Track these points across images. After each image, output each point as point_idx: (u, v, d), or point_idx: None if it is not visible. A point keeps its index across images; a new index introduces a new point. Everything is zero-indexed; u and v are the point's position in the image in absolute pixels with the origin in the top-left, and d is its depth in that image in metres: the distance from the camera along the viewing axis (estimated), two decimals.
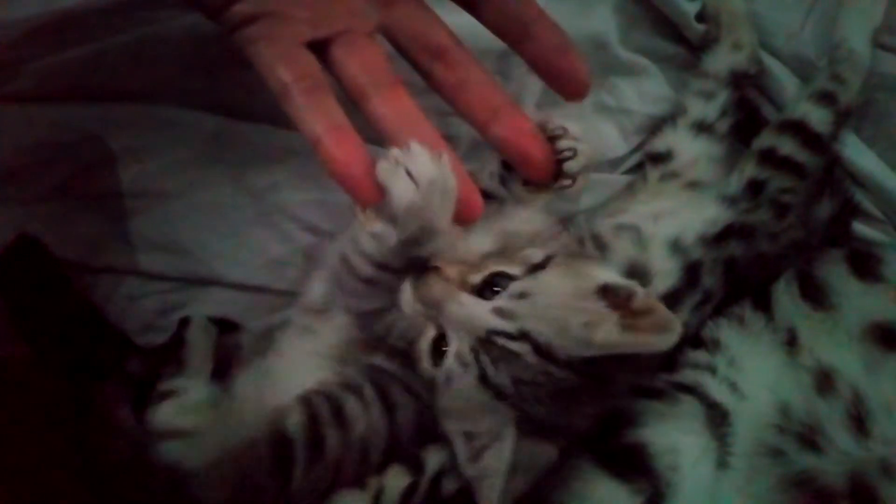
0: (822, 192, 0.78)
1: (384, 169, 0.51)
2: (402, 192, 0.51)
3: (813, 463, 0.64)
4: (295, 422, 0.64)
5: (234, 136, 0.77)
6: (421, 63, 0.56)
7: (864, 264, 0.70)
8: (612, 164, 0.86)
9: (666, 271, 0.70)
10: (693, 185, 0.79)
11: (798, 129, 0.77)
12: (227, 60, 0.72)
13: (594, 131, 0.84)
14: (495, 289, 0.59)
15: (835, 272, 0.71)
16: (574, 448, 0.62)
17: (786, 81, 0.83)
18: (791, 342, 0.69)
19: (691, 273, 0.71)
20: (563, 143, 0.60)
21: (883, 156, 0.81)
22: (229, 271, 0.77)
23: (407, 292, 0.59)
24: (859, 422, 0.64)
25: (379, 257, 0.59)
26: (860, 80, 0.80)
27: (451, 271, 0.59)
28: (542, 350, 0.56)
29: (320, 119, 0.51)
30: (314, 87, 0.52)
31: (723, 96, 0.82)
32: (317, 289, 0.72)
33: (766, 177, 0.75)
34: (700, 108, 0.81)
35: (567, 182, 0.61)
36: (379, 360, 0.69)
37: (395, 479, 0.64)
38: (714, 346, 0.70)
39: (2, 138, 0.70)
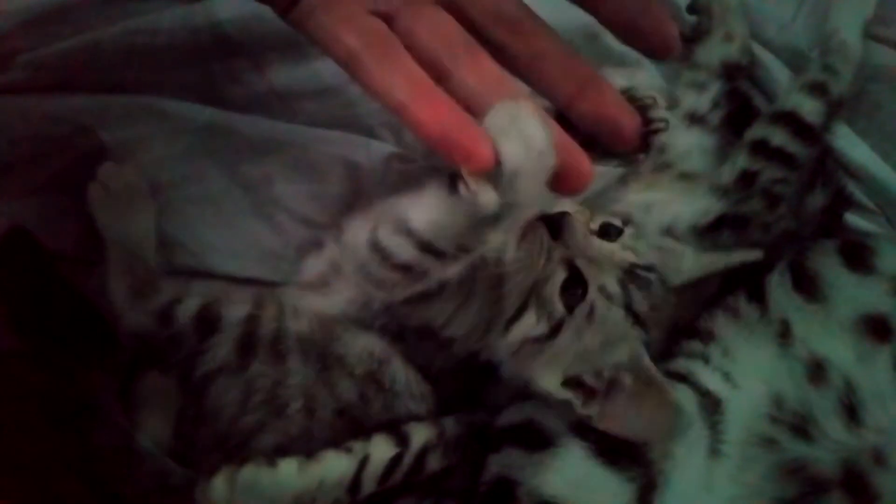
0: (814, 184, 0.78)
1: (495, 124, 0.45)
2: (513, 153, 0.46)
3: (805, 451, 0.64)
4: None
5: (227, 127, 0.76)
6: (494, 36, 0.50)
7: (857, 256, 0.71)
8: (605, 155, 0.85)
9: None
10: (685, 177, 0.78)
11: (790, 119, 0.77)
12: (220, 52, 0.72)
13: None
14: (606, 234, 0.64)
15: (827, 264, 0.71)
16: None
17: (778, 73, 0.83)
18: (784, 333, 0.69)
19: None
20: (655, 114, 0.59)
21: (875, 147, 0.81)
22: (223, 263, 0.77)
23: (544, 238, 0.61)
24: (851, 411, 0.65)
25: (430, 235, 0.54)
26: (852, 71, 0.80)
27: (579, 217, 0.62)
28: (663, 280, 0.64)
29: (400, 83, 0.46)
30: (386, 50, 0.48)
31: (715, 88, 0.82)
32: (312, 266, 0.72)
33: (759, 168, 0.75)
34: (692, 100, 0.81)
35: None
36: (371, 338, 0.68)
37: (381, 449, 0.64)
38: (708, 336, 0.71)
39: None
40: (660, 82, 0.86)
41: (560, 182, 0.47)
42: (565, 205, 0.63)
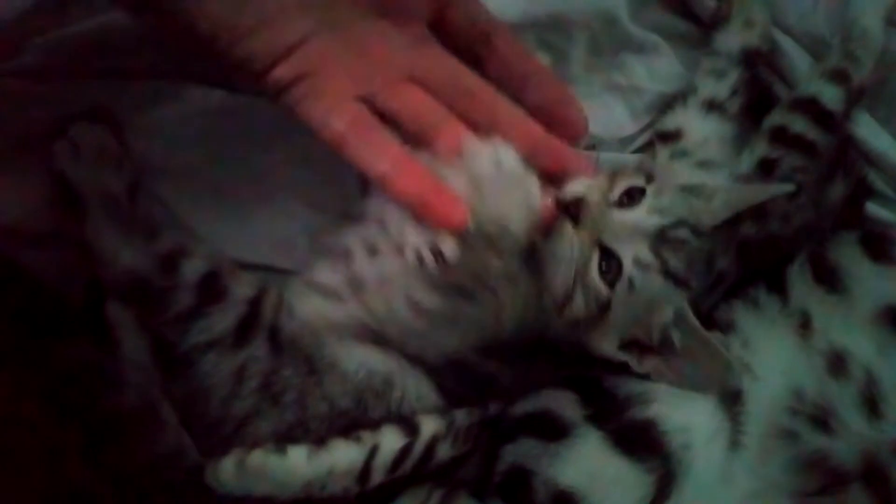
0: (834, 173, 0.77)
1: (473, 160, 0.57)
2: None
3: (825, 444, 0.64)
4: None
5: (238, 112, 0.75)
6: (456, 107, 0.60)
7: (878, 246, 0.70)
8: (622, 143, 0.84)
9: None
10: (704, 165, 0.78)
11: (810, 106, 0.76)
12: None
13: (604, 109, 0.83)
14: (631, 199, 0.65)
15: (848, 254, 0.70)
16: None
17: (798, 60, 0.82)
18: (805, 325, 0.69)
19: (704, 258, 0.70)
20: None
21: None
22: (234, 250, 0.76)
23: (567, 228, 0.62)
24: (872, 403, 0.64)
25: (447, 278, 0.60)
26: (873, 59, 0.79)
27: (593, 196, 0.63)
28: (696, 230, 0.64)
29: (380, 157, 0.56)
30: (368, 129, 0.57)
31: (734, 75, 0.80)
32: (327, 273, 0.71)
33: (778, 155, 0.74)
34: (711, 87, 0.80)
35: None
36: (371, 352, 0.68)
37: (390, 439, 0.64)
38: (728, 327, 0.70)
39: (6, 114, 0.68)
40: (678, 69, 0.85)
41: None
42: (582, 183, 0.63)
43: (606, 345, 0.65)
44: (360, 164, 0.57)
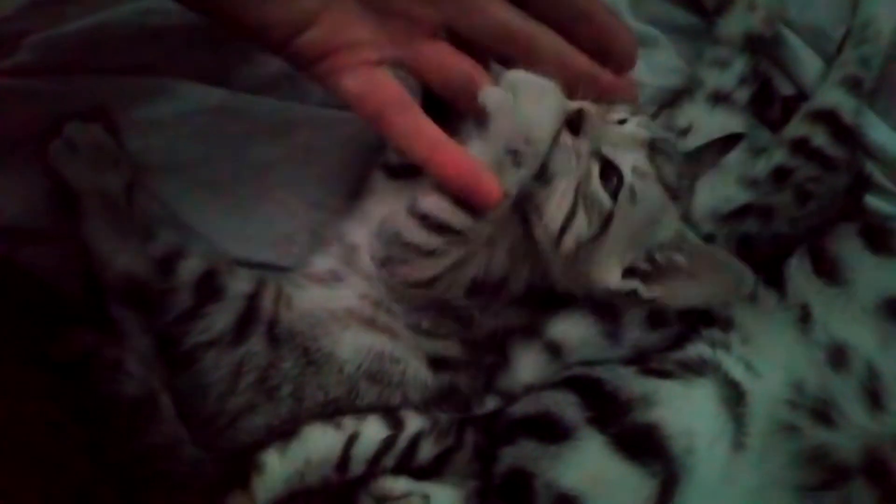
0: (838, 168, 0.77)
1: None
2: (494, 97, 0.56)
3: (827, 438, 0.64)
4: None
5: (238, 109, 0.75)
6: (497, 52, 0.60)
7: (879, 238, 0.70)
8: None
9: None
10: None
11: (830, 119, 0.77)
12: None
13: None
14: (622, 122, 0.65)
15: (848, 247, 0.70)
16: None
17: (800, 51, 0.82)
18: (804, 318, 0.69)
19: None
20: None
21: None
22: (234, 248, 0.76)
23: (567, 140, 0.62)
24: (873, 396, 0.64)
25: (441, 217, 0.60)
26: (881, 62, 0.80)
27: (593, 110, 0.63)
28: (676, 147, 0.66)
29: (422, 141, 0.57)
30: (406, 109, 0.57)
31: (739, 63, 0.81)
32: (320, 262, 0.71)
33: (795, 165, 0.75)
34: (716, 78, 0.80)
35: None
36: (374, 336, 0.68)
37: (373, 428, 0.64)
38: (726, 323, 0.70)
39: (3, 112, 0.68)
40: (679, 63, 0.84)
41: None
42: (581, 102, 0.63)
43: (609, 273, 0.64)
44: (398, 144, 0.58)
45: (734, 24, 0.81)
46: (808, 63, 0.82)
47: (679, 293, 0.64)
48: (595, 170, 0.62)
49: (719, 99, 0.80)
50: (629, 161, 0.63)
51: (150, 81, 0.73)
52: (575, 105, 0.62)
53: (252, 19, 0.54)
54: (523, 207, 0.64)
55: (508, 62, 0.59)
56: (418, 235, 0.61)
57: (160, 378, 0.66)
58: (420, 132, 0.57)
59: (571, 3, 0.59)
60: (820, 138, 0.76)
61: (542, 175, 0.62)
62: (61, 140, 0.67)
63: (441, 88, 0.60)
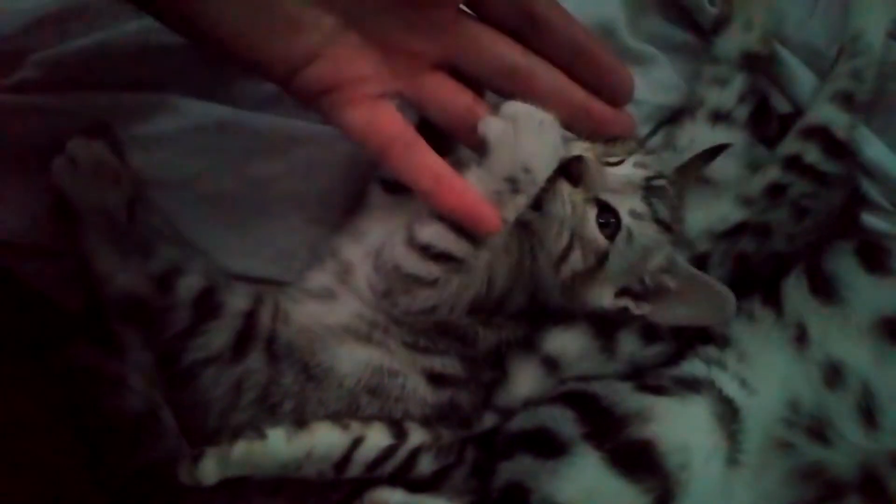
0: (834, 184, 0.77)
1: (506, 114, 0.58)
2: (494, 127, 0.58)
3: (822, 455, 0.64)
4: None
5: (239, 125, 0.76)
6: (499, 88, 0.62)
7: (874, 257, 0.70)
8: None
9: None
10: (705, 181, 0.78)
11: (822, 135, 0.77)
12: None
13: None
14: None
15: (844, 266, 0.70)
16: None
17: (796, 70, 0.83)
18: (800, 337, 0.69)
19: (698, 264, 0.71)
20: None
21: (892, 145, 0.80)
22: (234, 262, 0.76)
23: (564, 188, 0.64)
24: (869, 414, 0.65)
25: (442, 246, 0.61)
26: (874, 75, 0.80)
27: (591, 155, 0.65)
28: (668, 179, 0.68)
29: (426, 174, 0.58)
30: (410, 142, 0.58)
31: (738, 81, 0.81)
32: (316, 279, 0.72)
33: (789, 181, 0.75)
34: (715, 97, 0.81)
35: None
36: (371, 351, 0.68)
37: (377, 435, 0.64)
38: (723, 340, 0.71)
39: (7, 128, 0.69)
40: (677, 81, 0.85)
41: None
42: (575, 147, 0.65)
43: (602, 296, 0.67)
44: (403, 177, 0.59)
45: (731, 43, 0.82)
46: (805, 81, 0.82)
47: (667, 313, 0.67)
48: (591, 214, 0.65)
49: (719, 117, 0.80)
50: (626, 205, 0.65)
51: (152, 98, 0.74)
52: (575, 151, 0.64)
53: (255, 55, 0.55)
54: (525, 232, 0.66)
55: (506, 94, 0.60)
56: (419, 267, 0.62)
57: (161, 394, 0.66)
58: (424, 166, 0.58)
59: (570, 40, 0.60)
60: (813, 154, 0.76)
61: (541, 208, 0.64)
62: (63, 157, 0.67)
63: (441, 120, 0.61)
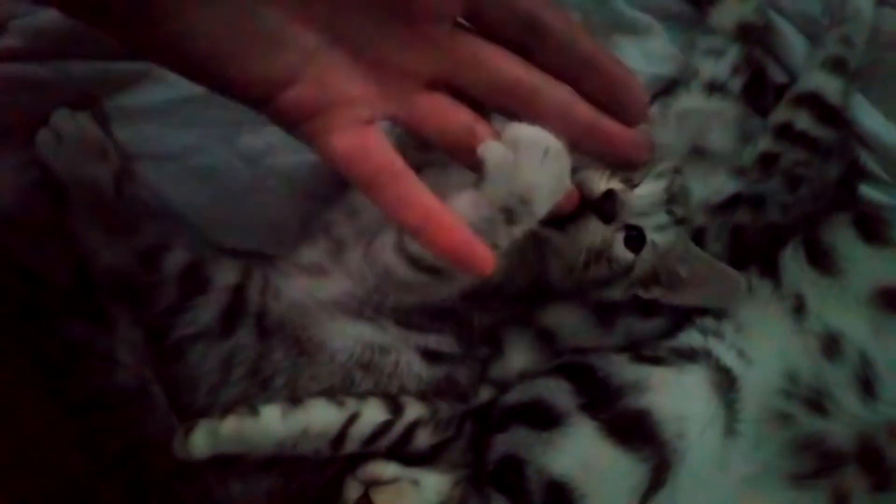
0: (830, 154, 0.77)
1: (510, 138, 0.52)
2: (494, 152, 0.52)
3: (820, 426, 0.64)
4: None
5: None
6: (497, 105, 0.56)
7: (872, 228, 0.70)
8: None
9: None
10: (700, 151, 0.77)
11: (813, 101, 0.76)
12: None
13: None
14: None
15: (842, 237, 0.70)
16: None
17: (792, 39, 0.82)
18: (798, 308, 0.69)
19: (695, 238, 0.71)
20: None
21: (890, 116, 0.80)
22: (224, 236, 0.76)
23: (594, 225, 0.63)
24: (867, 385, 0.65)
25: (431, 261, 0.59)
26: (865, 40, 0.79)
27: (618, 185, 0.64)
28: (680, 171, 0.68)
29: (413, 211, 0.52)
30: (398, 176, 0.52)
31: (732, 52, 0.80)
32: (307, 255, 0.71)
33: (780, 150, 0.75)
34: (710, 68, 0.80)
35: None
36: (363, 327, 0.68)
37: (373, 411, 0.63)
38: (721, 313, 0.70)
39: None
40: (672, 51, 0.84)
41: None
42: (599, 178, 0.63)
43: (616, 292, 0.68)
44: (391, 213, 0.53)
45: (727, 14, 0.81)
46: (801, 50, 0.81)
47: (677, 297, 0.67)
48: (619, 237, 0.64)
49: (714, 88, 0.79)
50: (652, 223, 0.65)
51: (139, 68, 0.73)
52: (602, 184, 0.63)
53: (230, 76, 0.49)
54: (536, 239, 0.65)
55: (510, 114, 0.55)
56: (408, 274, 0.60)
57: (151, 369, 0.66)
58: (413, 201, 0.53)
59: (576, 51, 0.54)
60: (803, 121, 0.75)
61: (563, 228, 0.63)
62: (47, 130, 0.66)
63: (439, 142, 0.55)
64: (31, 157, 0.67)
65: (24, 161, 0.68)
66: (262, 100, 0.50)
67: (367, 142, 0.52)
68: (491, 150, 0.52)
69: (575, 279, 0.66)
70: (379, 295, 0.67)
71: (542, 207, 0.55)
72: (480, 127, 0.54)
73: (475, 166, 0.54)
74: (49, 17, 0.68)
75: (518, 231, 0.55)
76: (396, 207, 0.52)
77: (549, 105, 0.54)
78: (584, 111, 0.54)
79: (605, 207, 0.62)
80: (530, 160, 0.52)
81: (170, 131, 0.74)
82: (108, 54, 0.72)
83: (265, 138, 0.76)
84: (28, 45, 0.69)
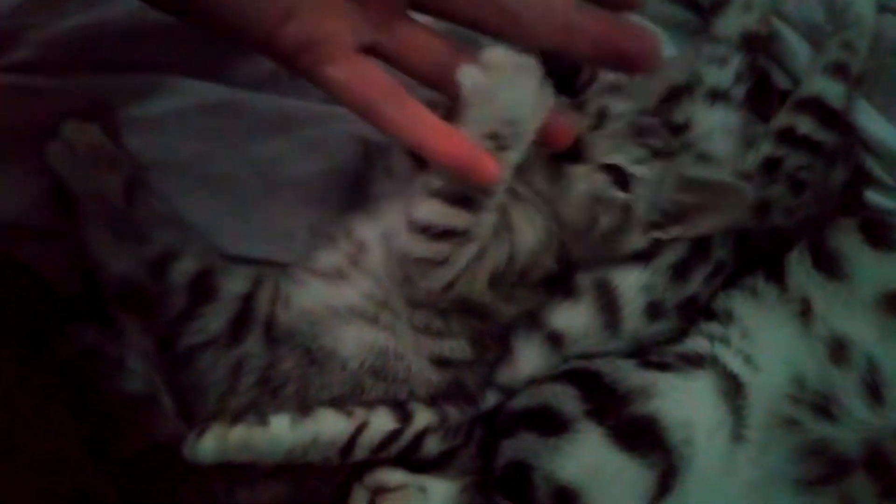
0: (835, 160, 0.77)
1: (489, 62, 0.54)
2: (470, 77, 0.54)
3: (828, 432, 0.64)
4: None
5: (238, 106, 0.75)
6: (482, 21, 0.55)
7: (878, 233, 0.70)
8: None
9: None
10: (703, 158, 0.77)
11: (816, 106, 0.77)
12: None
13: None
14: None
15: (848, 241, 0.70)
16: None
17: (796, 46, 0.82)
18: (805, 312, 0.68)
19: (701, 244, 0.71)
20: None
21: (895, 122, 0.80)
22: (234, 244, 0.76)
23: (573, 171, 0.66)
24: (874, 390, 0.64)
25: (442, 222, 0.59)
26: (867, 46, 0.79)
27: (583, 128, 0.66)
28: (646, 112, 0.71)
29: (415, 126, 0.55)
30: (399, 94, 0.55)
31: (736, 61, 0.80)
32: (325, 259, 0.71)
33: (783, 154, 0.75)
34: (714, 75, 0.80)
35: None
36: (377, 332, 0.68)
37: (381, 420, 0.64)
38: (727, 317, 0.70)
39: (5, 110, 0.68)
40: (677, 59, 0.84)
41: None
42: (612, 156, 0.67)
43: (635, 240, 0.69)
44: (392, 132, 0.56)
45: (731, 23, 0.81)
46: (805, 57, 0.82)
47: (694, 227, 0.69)
48: (603, 179, 0.66)
49: (717, 96, 0.80)
50: (628, 157, 0.67)
51: (150, 78, 0.73)
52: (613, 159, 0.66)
53: (230, 18, 0.53)
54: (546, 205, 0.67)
55: (496, 33, 0.55)
56: (426, 249, 0.61)
57: (161, 377, 0.66)
58: (416, 116, 0.55)
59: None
60: (806, 126, 0.76)
61: (557, 181, 0.65)
62: (58, 140, 0.67)
63: (421, 70, 0.58)
64: (42, 166, 0.68)
65: (35, 169, 0.68)
66: (264, 41, 0.54)
67: (363, 67, 0.55)
68: (468, 75, 0.54)
69: (594, 241, 0.68)
70: (409, 294, 0.66)
71: (528, 126, 0.56)
72: (460, 54, 0.56)
73: (457, 97, 0.55)
74: (62, 29, 0.69)
75: (513, 156, 0.57)
76: (399, 125, 0.55)
77: (534, 14, 0.53)
78: (570, 15, 0.53)
79: (570, 149, 0.64)
80: (504, 79, 0.54)
81: (179, 140, 0.74)
82: (119, 66, 0.72)
83: (275, 146, 0.76)
84: (41, 57, 0.70)
